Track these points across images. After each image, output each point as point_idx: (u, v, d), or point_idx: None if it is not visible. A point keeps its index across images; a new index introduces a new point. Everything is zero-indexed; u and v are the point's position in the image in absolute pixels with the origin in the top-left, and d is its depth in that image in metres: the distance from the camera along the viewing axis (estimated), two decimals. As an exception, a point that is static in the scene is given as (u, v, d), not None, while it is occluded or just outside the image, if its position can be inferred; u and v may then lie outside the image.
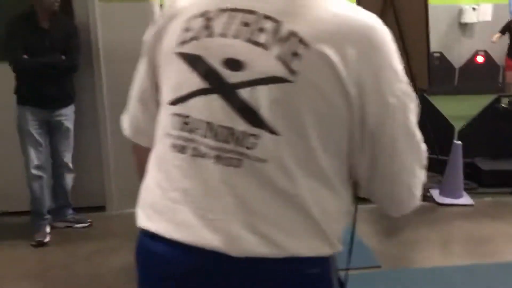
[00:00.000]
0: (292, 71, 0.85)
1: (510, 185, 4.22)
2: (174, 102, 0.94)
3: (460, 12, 8.86)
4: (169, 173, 0.93)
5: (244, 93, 0.87)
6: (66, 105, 3.40)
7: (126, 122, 1.13)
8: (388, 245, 3.42)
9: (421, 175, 0.97)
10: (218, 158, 0.88)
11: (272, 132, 0.86)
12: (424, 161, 0.97)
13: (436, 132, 4.35)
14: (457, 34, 9.01)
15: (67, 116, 3.41)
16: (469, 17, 8.77)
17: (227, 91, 0.88)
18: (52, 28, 3.28)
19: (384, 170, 0.94)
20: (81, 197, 3.69)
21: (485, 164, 4.36)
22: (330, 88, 0.85)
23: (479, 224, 3.71)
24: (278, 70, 0.86)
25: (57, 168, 3.48)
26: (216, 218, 0.88)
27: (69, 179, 3.54)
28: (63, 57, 3.29)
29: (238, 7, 0.91)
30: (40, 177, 3.34)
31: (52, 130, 3.39)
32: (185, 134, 0.91)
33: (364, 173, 0.94)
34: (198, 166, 0.90)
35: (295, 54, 0.85)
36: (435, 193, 4.14)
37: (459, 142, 4.03)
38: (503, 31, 7.23)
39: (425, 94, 4.45)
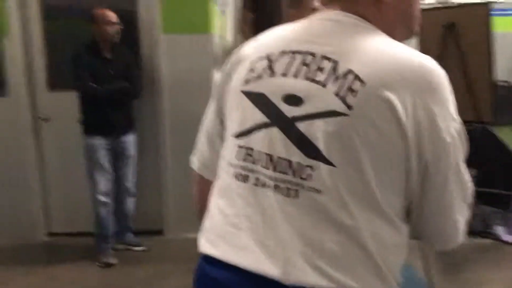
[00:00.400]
0: (348, 105, 0.90)
1: None
2: (238, 136, 1.01)
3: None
4: (232, 200, 0.99)
5: (302, 127, 0.92)
6: (130, 132, 3.57)
7: (195, 156, 1.21)
8: (450, 283, 3.26)
9: (466, 213, 1.01)
10: (276, 188, 0.93)
11: (328, 163, 0.90)
12: (470, 200, 1.00)
13: (501, 166, 4.16)
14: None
15: (131, 142, 3.57)
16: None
17: (286, 125, 0.94)
18: (115, 57, 3.48)
19: (433, 206, 0.97)
20: (140, 221, 3.82)
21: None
22: (387, 126, 0.88)
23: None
24: (334, 104, 0.91)
25: (120, 193, 3.64)
26: (274, 246, 0.91)
27: (131, 203, 3.68)
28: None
29: (299, 49, 0.98)
30: (106, 203, 3.50)
31: (117, 156, 3.56)
32: (248, 165, 0.98)
33: (414, 208, 0.97)
34: (258, 195, 0.95)
35: (351, 90, 0.90)
36: (500, 230, 3.93)
37: (527, 177, 3.83)
38: None
39: (487, 127, 4.27)
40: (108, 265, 3.48)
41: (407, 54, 0.94)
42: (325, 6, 1.04)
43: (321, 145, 0.90)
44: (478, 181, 4.22)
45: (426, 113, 0.90)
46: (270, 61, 1.00)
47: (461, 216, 1.00)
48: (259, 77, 1.00)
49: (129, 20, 3.69)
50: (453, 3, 4.69)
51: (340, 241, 0.90)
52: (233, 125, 1.03)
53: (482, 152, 4.16)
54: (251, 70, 1.02)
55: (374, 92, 0.89)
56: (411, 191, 0.94)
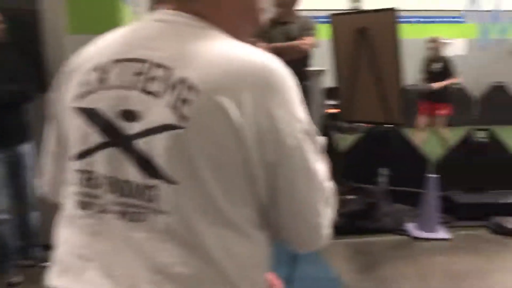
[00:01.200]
0: (184, 117, 0.83)
1: (485, 219, 4.22)
2: (77, 158, 0.92)
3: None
4: (77, 230, 0.92)
5: (141, 144, 0.85)
6: (25, 140, 3.28)
7: (42, 181, 1.10)
8: (365, 282, 3.35)
9: (326, 214, 0.95)
10: (122, 214, 0.87)
11: (170, 182, 0.84)
12: (330, 200, 0.96)
13: (410, 165, 4.37)
14: (431, 67, 9.21)
15: (27, 152, 3.29)
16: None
17: (125, 144, 0.87)
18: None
19: (285, 212, 0.91)
20: (47, 235, 3.54)
21: (460, 197, 4.36)
22: (225, 134, 0.82)
23: (456, 259, 3.68)
24: (169, 117, 0.84)
25: (21, 207, 3.36)
26: (122, 276, 0.86)
27: (34, 217, 3.41)
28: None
29: (131, 57, 0.90)
30: (5, 220, 3.22)
31: (13, 169, 3.26)
32: (90, 191, 0.90)
33: (267, 214, 0.92)
34: (104, 223, 0.89)
35: (185, 100, 0.83)
36: (411, 227, 4.11)
37: (435, 175, 4.04)
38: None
39: (398, 128, 4.48)
40: (12, 285, 3.22)
41: (246, 55, 0.87)
42: (161, 4, 0.95)
43: (160, 162, 0.84)
44: (390, 180, 4.43)
45: (268, 116, 0.84)
46: (102, 71, 0.91)
47: (322, 219, 0.94)
48: (92, 91, 0.91)
49: (30, 19, 3.44)
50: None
51: (190, 263, 0.85)
52: (71, 147, 0.94)
53: (393, 152, 4.35)
54: (82, 83, 0.93)
55: (209, 99, 0.82)
56: (261, 199, 0.89)
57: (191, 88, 0.83)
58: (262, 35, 3.74)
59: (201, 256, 0.85)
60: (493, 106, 8.64)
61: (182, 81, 0.84)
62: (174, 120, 0.83)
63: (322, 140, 0.99)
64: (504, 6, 9.09)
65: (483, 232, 4.13)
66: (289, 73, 0.89)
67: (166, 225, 0.84)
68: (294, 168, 0.88)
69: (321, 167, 0.92)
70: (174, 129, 0.83)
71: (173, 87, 0.85)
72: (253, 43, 0.94)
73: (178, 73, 0.85)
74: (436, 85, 6.02)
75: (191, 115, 0.82)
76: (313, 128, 0.91)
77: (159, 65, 0.87)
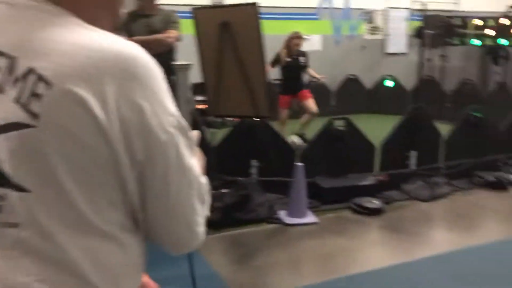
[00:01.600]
0: (33, 114, 0.73)
1: (348, 200, 4.55)
2: None
3: (294, 41, 9.55)
4: None
5: None
6: None
7: None
8: (242, 272, 3.39)
9: (202, 211, 0.91)
10: None
11: (19, 189, 0.74)
12: (206, 196, 0.92)
13: (279, 156, 4.53)
14: (293, 62, 9.68)
15: None
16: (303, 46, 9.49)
17: None
18: None
19: (158, 211, 0.85)
20: None
21: (325, 182, 4.65)
22: (85, 132, 0.74)
23: (324, 241, 3.91)
24: (15, 114, 0.73)
25: None
26: None
27: None
28: None
29: None
30: None
31: None
32: None
33: (139, 215, 0.85)
34: None
35: (35, 94, 0.73)
36: (283, 214, 4.27)
37: (301, 164, 4.23)
38: (272, 64, 6.51)
39: (266, 121, 4.61)
40: None
41: (107, 43, 0.78)
42: None
43: (7, 168, 0.74)
44: (261, 171, 4.56)
45: (133, 109, 0.76)
46: None
47: (198, 216, 0.90)
48: None
49: None
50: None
51: (52, 279, 0.75)
52: None
53: (262, 144, 4.47)
54: None
55: (64, 93, 0.73)
56: (133, 200, 0.82)
57: (41, 80, 0.73)
58: (122, 28, 3.56)
59: (65, 270, 0.76)
60: (348, 97, 9.36)
61: (31, 71, 0.73)
62: (22, 118, 0.72)
63: (195, 134, 0.95)
64: (354, 5, 9.91)
65: (347, 214, 4.46)
66: (155, 63, 0.82)
67: (19, 240, 0.74)
68: (167, 164, 0.82)
69: (195, 163, 0.87)
70: (22, 129, 0.72)
71: (20, 78, 0.74)
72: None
73: (24, 63, 0.74)
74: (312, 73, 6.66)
75: (43, 112, 0.72)
76: (185, 122, 0.85)
77: (0, 53, 0.76)
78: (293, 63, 6.46)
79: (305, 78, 6.92)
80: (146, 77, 0.79)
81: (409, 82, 9.97)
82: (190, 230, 0.89)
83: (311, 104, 6.39)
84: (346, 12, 9.99)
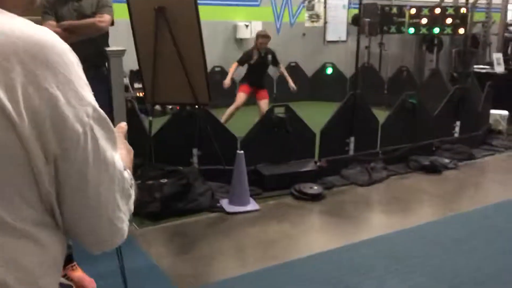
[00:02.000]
0: None
1: (289, 186, 4.58)
2: None
3: (235, 28, 9.47)
4: None
5: None
6: None
7: None
8: (184, 264, 3.33)
9: (125, 207, 0.87)
10: None
11: None
12: (129, 191, 0.88)
13: (221, 144, 4.47)
14: (234, 49, 9.60)
15: None
16: (243, 33, 9.43)
17: None
18: None
19: (77, 207, 0.80)
20: None
21: (266, 170, 4.65)
22: None
23: (266, 228, 3.91)
24: None
25: None
26: None
27: None
28: None
29: None
30: None
31: None
32: None
33: (56, 211, 0.80)
34: None
35: None
36: (225, 203, 4.24)
37: (241, 152, 4.21)
38: (241, 63, 6.55)
39: (207, 108, 4.54)
40: None
41: (15, 28, 0.72)
42: None
43: None
44: (202, 160, 4.49)
45: (45, 98, 0.71)
46: None
47: (121, 212, 0.85)
48: None
49: None
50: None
51: None
52: None
53: (203, 133, 4.39)
54: None
55: None
56: (48, 196, 0.76)
57: None
58: (50, 12, 3.36)
59: None
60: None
61: None
62: None
63: (121, 126, 0.92)
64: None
65: (288, 200, 4.49)
66: (69, 49, 0.76)
67: None
68: (84, 158, 0.76)
69: (116, 156, 0.82)
70: None
71: None
72: (38, 22, 0.77)
73: None
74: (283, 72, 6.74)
75: None
76: (103, 112, 0.79)
77: None
78: (261, 61, 6.46)
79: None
80: (59, 64, 0.73)
81: (348, 69, 10.18)
82: (112, 227, 0.85)
83: (264, 105, 6.32)
84: (287, 0, 10.02)
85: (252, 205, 4.26)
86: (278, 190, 4.58)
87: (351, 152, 5.24)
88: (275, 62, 6.63)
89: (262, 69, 6.65)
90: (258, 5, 9.74)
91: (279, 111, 4.77)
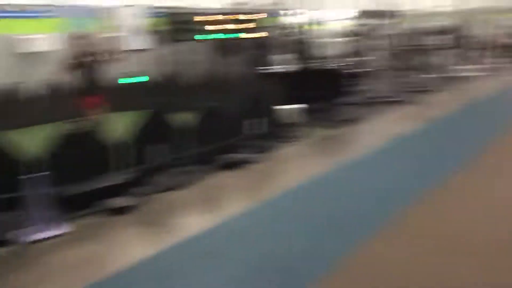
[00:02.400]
0: None
1: (97, 203, 4.38)
2: None
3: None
4: None
5: None
6: None
7: None
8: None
9: None
10: None
11: None
12: None
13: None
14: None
15: None
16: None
17: None
18: None
19: None
20: None
21: (69, 189, 4.35)
22: None
23: (73, 251, 3.69)
24: None
25: None
26: None
27: None
28: None
29: None
30: None
31: None
32: None
33: None
34: None
35: None
36: (22, 233, 3.85)
37: (29, 176, 3.88)
38: None
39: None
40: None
41: None
42: None
43: None
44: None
45: None
46: None
47: None
48: None
49: None
50: None
51: None
52: None
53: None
54: None
55: None
56: None
57: None
58: None
59: None
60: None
61: None
62: None
63: None
64: (90, 2, 9.52)
65: (96, 218, 4.29)
66: None
67: None
68: None
69: None
70: None
71: None
72: None
73: None
74: None
75: None
76: None
77: None
78: None
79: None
80: None
81: (152, 77, 10.17)
82: None
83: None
84: (77, 10, 9.55)
85: (56, 229, 3.96)
86: (85, 209, 4.35)
87: (162, 159, 5.25)
88: None
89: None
90: (45, 17, 9.08)
91: (74, 127, 4.53)
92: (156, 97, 5.54)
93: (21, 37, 8.52)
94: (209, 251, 3.59)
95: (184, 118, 5.76)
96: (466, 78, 12.96)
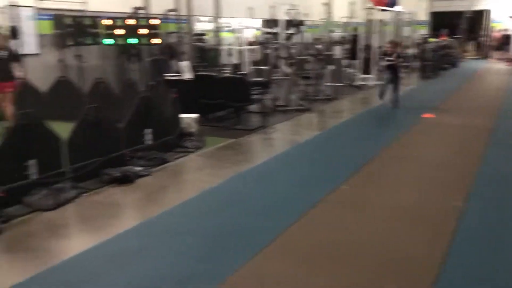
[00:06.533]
0: None
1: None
2: None
3: None
4: None
5: None
6: None
7: None
8: None
9: None
10: None
11: None
12: None
13: None
14: None
15: None
16: None
17: None
18: None
19: None
20: None
21: None
22: None
23: None
24: None
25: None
26: None
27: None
28: None
29: None
30: None
31: None
32: None
33: None
34: None
35: None
36: None
37: None
38: None
39: None
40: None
41: None
42: None
43: None
44: None
45: None
46: None
47: None
48: None
49: None
50: None
51: None
52: None
53: None
54: None
55: None
56: None
57: None
58: None
59: None
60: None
61: None
62: None
63: None
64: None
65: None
66: None
67: None
68: None
69: None
70: None
71: None
72: None
73: None
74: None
75: None
76: None
77: None
78: None
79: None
80: None
81: (45, 84, 9.49)
82: None
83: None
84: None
85: None
86: None
87: (34, 176, 4.77)
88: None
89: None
90: None
91: None
92: (28, 106, 5.04)
93: None
94: (82, 279, 3.26)
95: (62, 128, 5.30)
96: (367, 86, 13.53)
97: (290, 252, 3.65)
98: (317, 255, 3.60)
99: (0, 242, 3.90)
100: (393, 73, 10.11)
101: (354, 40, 14.45)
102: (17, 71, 7.69)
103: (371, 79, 13.86)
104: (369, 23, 15.65)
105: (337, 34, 14.18)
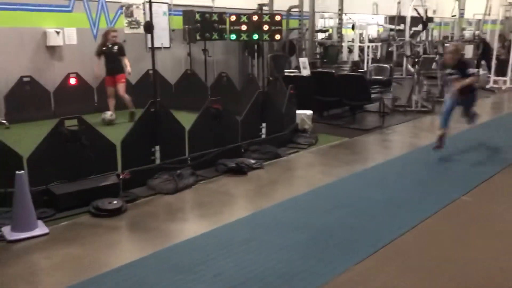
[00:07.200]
0: None
1: (88, 204, 4.31)
2: None
3: (45, 35, 8.79)
4: None
5: None
6: None
7: None
8: None
9: None
10: None
11: None
12: None
13: (2, 165, 4.03)
14: (46, 57, 8.90)
15: None
16: (54, 40, 8.79)
17: None
18: None
19: None
20: None
21: (60, 188, 4.31)
22: None
23: (53, 252, 3.59)
24: None
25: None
26: None
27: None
28: None
29: None
30: None
31: None
32: None
33: None
34: None
35: None
36: (6, 230, 3.81)
37: (22, 172, 3.82)
38: (98, 54, 8.41)
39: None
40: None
41: None
42: None
43: None
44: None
45: None
46: None
47: None
48: None
49: None
50: None
51: None
52: None
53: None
54: None
55: None
56: None
57: None
58: None
59: None
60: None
61: None
62: None
63: None
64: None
65: (84, 219, 4.21)
66: None
67: None
68: None
69: None
70: None
71: None
72: None
73: None
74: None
75: None
76: None
77: None
78: (112, 50, 8.29)
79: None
80: None
81: (175, 76, 10.16)
82: None
83: (120, 88, 8.42)
84: (102, 6, 9.61)
85: (41, 229, 3.90)
86: (74, 209, 4.28)
87: (158, 161, 5.15)
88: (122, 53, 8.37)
89: (113, 57, 8.30)
90: (70, 11, 9.16)
91: (71, 124, 4.47)
92: (158, 95, 5.40)
93: (49, 30, 8.75)
94: (180, 264, 3.44)
95: (186, 118, 5.61)
96: (501, 90, 12.40)
97: (400, 260, 3.49)
98: (430, 267, 3.40)
99: (125, 219, 4.27)
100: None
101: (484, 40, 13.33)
102: (125, 65, 8.41)
103: (507, 82, 12.68)
104: (506, 21, 14.31)
105: (469, 32, 13.18)
